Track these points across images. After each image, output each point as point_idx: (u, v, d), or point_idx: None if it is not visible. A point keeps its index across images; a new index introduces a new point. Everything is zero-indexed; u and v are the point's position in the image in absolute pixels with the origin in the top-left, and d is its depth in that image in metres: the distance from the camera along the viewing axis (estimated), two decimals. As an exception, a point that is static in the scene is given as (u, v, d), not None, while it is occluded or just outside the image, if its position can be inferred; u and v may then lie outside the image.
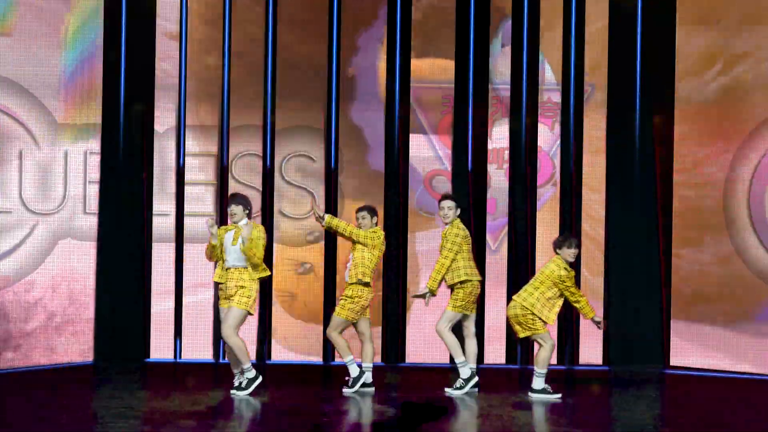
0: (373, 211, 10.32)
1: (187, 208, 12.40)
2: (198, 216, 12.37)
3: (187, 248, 12.33)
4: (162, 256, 12.31)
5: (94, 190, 12.19)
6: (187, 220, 12.37)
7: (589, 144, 12.47)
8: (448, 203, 10.28)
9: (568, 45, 12.40)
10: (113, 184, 12.10)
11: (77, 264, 12.10)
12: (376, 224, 10.31)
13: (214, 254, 9.89)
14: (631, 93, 12.34)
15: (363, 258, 10.14)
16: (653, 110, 12.28)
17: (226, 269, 9.80)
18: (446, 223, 10.27)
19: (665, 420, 9.39)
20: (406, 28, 12.43)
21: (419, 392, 10.42)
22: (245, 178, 12.45)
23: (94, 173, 12.19)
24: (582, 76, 12.42)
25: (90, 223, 12.16)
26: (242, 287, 9.72)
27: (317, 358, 12.24)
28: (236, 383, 9.87)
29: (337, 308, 10.25)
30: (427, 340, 12.17)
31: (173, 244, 12.33)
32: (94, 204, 12.19)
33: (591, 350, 12.30)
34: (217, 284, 10.04)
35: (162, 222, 12.37)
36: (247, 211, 9.91)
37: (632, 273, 12.23)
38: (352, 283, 10.13)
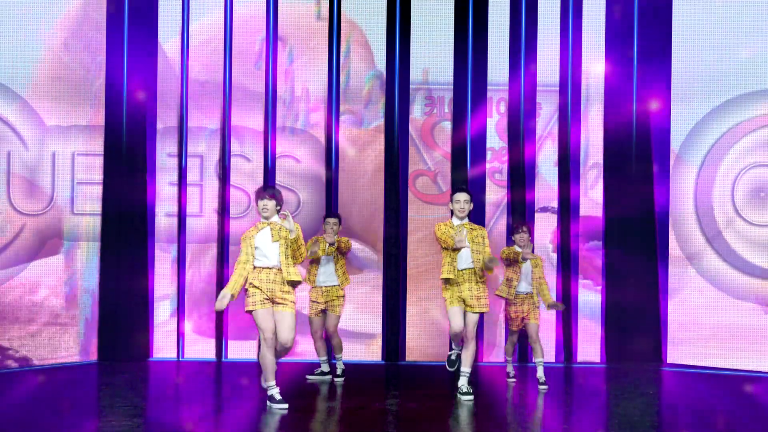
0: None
1: (189, 208, 12.51)
2: (198, 217, 12.47)
3: (190, 248, 12.43)
4: (164, 256, 12.41)
5: (81, 191, 12.30)
6: (189, 221, 12.47)
7: (586, 141, 12.56)
8: (465, 196, 9.89)
9: (565, 45, 12.51)
10: (116, 184, 12.21)
11: (64, 264, 12.20)
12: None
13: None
14: (629, 92, 12.42)
15: (343, 263, 10.86)
16: (650, 103, 12.39)
17: (261, 268, 9.15)
18: (461, 218, 9.88)
19: (663, 417, 9.44)
20: (405, 30, 12.53)
21: (419, 390, 10.50)
22: (233, 179, 12.57)
23: (82, 174, 12.29)
24: (579, 75, 12.51)
25: (77, 223, 12.26)
26: (289, 291, 9.22)
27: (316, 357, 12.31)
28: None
29: (337, 308, 10.80)
30: (426, 339, 12.24)
31: (176, 244, 12.43)
32: (81, 205, 12.30)
33: (589, 348, 12.37)
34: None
35: (164, 222, 12.46)
36: (278, 208, 9.27)
37: (629, 271, 12.32)
38: (341, 286, 10.80)
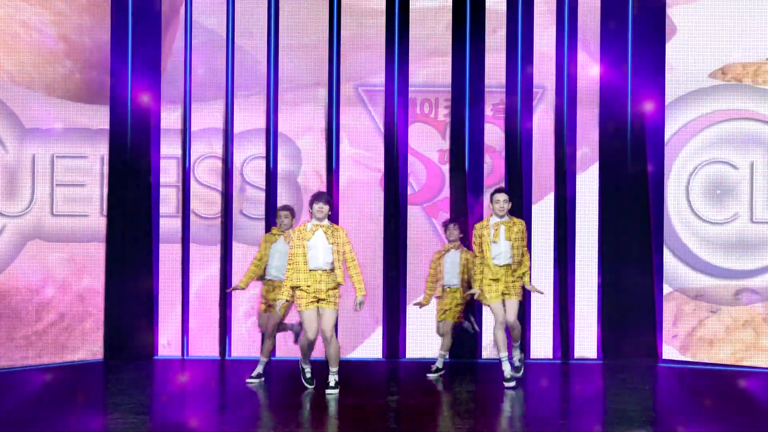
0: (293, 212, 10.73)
1: (192, 209, 12.61)
2: (200, 217, 12.56)
3: (193, 248, 12.55)
4: (168, 256, 12.50)
5: (60, 193, 12.42)
6: (192, 221, 12.58)
7: (583, 140, 12.64)
8: (504, 196, 10.10)
9: (561, 44, 12.59)
10: (120, 186, 12.28)
11: (48, 263, 12.34)
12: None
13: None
14: (624, 91, 12.50)
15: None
16: (644, 104, 12.47)
17: (310, 271, 9.59)
18: (501, 216, 10.10)
19: (658, 412, 9.45)
20: (404, 31, 12.61)
21: (419, 388, 10.54)
22: (207, 179, 12.63)
23: (61, 176, 12.42)
24: (575, 75, 12.58)
25: (57, 224, 12.40)
26: (335, 288, 9.68)
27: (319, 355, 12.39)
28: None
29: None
30: (427, 336, 12.32)
31: (179, 245, 12.54)
32: (61, 206, 12.42)
33: (585, 344, 12.45)
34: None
35: (168, 223, 12.59)
36: (331, 213, 9.76)
37: (625, 268, 12.35)
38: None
